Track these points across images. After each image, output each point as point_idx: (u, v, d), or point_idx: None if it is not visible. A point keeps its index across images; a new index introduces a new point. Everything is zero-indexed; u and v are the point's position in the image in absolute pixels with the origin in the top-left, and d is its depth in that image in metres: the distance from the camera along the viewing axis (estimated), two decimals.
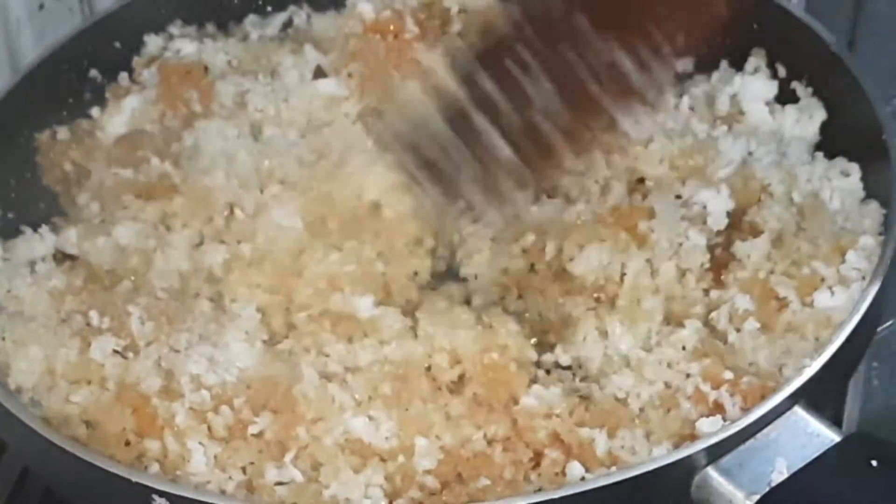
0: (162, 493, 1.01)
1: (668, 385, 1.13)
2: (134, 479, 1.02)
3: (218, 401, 1.12)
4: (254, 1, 1.50)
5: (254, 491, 1.07)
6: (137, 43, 1.45)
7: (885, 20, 1.64)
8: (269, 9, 1.51)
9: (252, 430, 1.10)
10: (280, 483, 1.07)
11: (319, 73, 1.41)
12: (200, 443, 1.09)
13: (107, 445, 1.09)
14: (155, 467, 1.08)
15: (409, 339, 1.17)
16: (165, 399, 1.12)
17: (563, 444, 1.09)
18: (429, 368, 1.15)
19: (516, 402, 1.12)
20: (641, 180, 1.30)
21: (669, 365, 1.14)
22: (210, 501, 1.03)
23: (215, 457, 1.09)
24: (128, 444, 1.10)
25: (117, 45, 1.44)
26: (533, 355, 1.17)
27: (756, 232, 1.22)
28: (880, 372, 1.30)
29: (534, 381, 1.14)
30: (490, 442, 1.10)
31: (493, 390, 1.12)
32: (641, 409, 1.12)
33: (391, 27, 1.42)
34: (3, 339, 1.18)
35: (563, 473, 1.07)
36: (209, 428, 1.10)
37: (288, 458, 1.08)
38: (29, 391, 1.15)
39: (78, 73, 1.41)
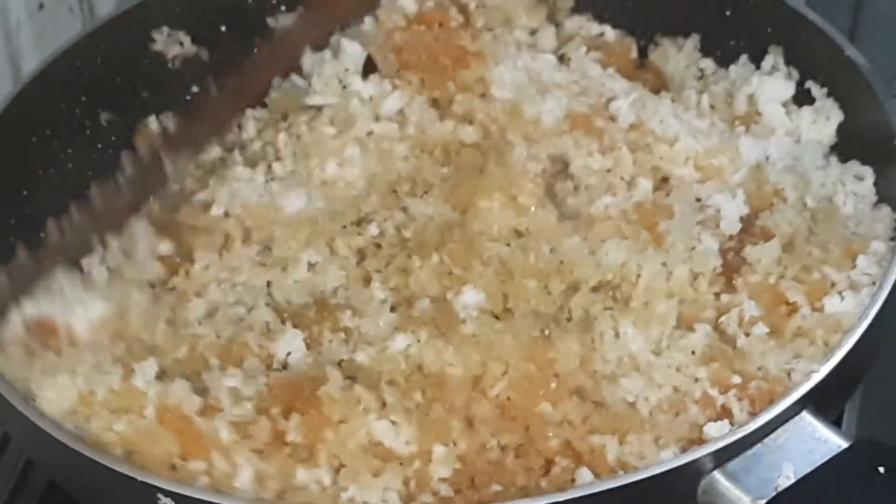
0: (167, 493, 1.01)
1: (676, 389, 1.13)
2: (139, 478, 1.02)
3: (256, 412, 1.11)
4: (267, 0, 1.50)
5: (284, 495, 1.07)
6: (149, 42, 1.45)
7: (886, 20, 1.64)
8: (283, 8, 1.51)
9: (289, 437, 1.09)
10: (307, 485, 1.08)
11: (371, 67, 1.41)
12: (247, 457, 1.08)
13: (152, 470, 1.07)
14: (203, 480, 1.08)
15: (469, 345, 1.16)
16: (206, 417, 1.11)
17: (573, 452, 1.09)
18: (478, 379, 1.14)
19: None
20: (666, 179, 1.30)
21: (678, 369, 1.14)
22: (216, 501, 1.03)
23: (258, 470, 1.08)
24: (173, 467, 1.08)
25: (130, 43, 1.44)
26: (582, 378, 1.14)
27: (767, 236, 1.22)
28: (880, 372, 1.29)
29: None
30: (503, 448, 1.10)
31: (522, 401, 1.12)
32: (650, 414, 1.12)
33: (436, 17, 1.43)
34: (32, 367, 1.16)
35: (573, 480, 1.07)
36: (251, 440, 1.10)
37: (320, 460, 1.08)
38: (63, 419, 1.12)
39: (91, 69, 1.41)
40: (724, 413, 1.09)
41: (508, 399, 1.12)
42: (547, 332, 1.17)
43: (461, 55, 1.38)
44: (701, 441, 1.07)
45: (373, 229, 1.28)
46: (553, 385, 1.12)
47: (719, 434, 1.05)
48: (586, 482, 1.06)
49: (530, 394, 1.12)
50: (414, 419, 1.10)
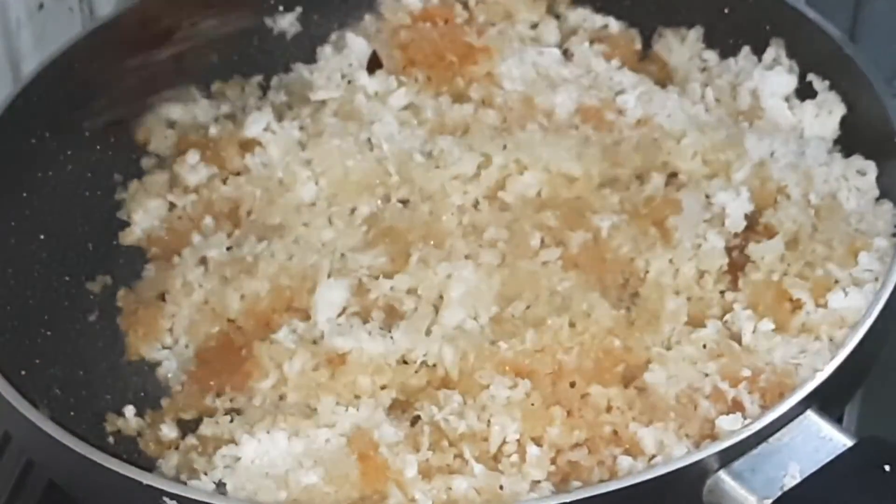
0: (172, 496, 1.01)
1: (689, 384, 1.12)
2: (145, 481, 1.02)
3: None
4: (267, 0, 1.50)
5: None
6: None
7: (885, 19, 1.64)
8: (281, 8, 1.50)
9: None
10: None
11: (374, 63, 1.41)
12: None
13: None
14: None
15: None
16: None
17: (619, 440, 1.09)
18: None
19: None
20: (674, 174, 1.30)
21: (691, 363, 1.14)
22: None
23: None
24: None
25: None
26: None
27: (771, 233, 1.22)
28: (880, 371, 1.29)
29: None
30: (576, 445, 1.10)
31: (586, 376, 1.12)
32: (673, 404, 1.11)
33: (440, 14, 1.43)
34: None
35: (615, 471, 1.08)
36: None
37: None
38: None
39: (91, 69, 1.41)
40: (735, 406, 1.09)
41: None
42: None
43: (467, 51, 1.39)
44: (713, 436, 1.07)
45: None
46: (619, 368, 1.13)
47: (732, 427, 1.05)
48: (592, 482, 1.06)
49: (597, 369, 1.12)
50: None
